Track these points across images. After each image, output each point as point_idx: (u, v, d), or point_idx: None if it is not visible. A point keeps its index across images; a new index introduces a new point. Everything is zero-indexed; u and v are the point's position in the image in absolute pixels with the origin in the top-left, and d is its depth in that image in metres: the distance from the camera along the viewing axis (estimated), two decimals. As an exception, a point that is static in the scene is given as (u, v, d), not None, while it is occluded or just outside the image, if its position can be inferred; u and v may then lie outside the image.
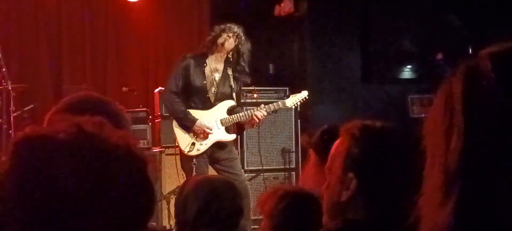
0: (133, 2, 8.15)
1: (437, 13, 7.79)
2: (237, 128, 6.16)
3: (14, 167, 1.11)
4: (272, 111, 6.07)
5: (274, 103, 5.95)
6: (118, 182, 1.13)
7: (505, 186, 1.08)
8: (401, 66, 8.02)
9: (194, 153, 5.73)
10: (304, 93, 6.10)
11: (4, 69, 6.58)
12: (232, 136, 5.95)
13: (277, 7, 8.08)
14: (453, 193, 1.10)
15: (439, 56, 7.87)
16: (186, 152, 5.73)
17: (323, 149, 2.48)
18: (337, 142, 2.03)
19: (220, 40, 5.71)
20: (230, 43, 5.73)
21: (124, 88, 7.70)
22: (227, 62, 5.84)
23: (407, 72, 8.05)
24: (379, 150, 1.96)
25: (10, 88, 6.72)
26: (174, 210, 2.93)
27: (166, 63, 8.16)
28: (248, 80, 6.02)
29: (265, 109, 5.81)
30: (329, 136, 2.37)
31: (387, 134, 2.01)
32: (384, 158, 1.95)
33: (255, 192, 6.82)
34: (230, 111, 5.88)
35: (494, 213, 1.08)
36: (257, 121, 5.82)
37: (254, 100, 6.66)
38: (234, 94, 5.88)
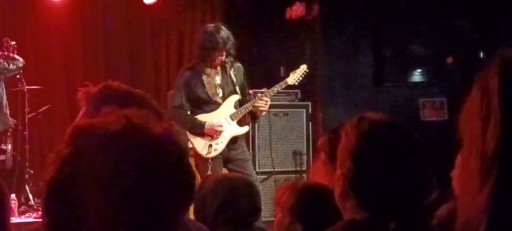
0: (147, 4, 8.20)
1: (448, 17, 7.80)
2: (251, 117, 6.15)
3: (71, 154, 1.24)
4: (277, 92, 6.06)
5: (276, 85, 5.95)
6: (163, 169, 1.24)
7: None
8: (412, 70, 8.02)
9: (212, 154, 5.75)
10: (303, 67, 6.12)
11: (20, 71, 6.66)
12: (245, 128, 5.99)
13: (288, 10, 8.10)
14: (490, 177, 1.15)
15: (450, 60, 7.87)
16: (205, 155, 5.73)
17: (330, 148, 2.50)
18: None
19: (211, 59, 5.66)
20: (223, 58, 5.69)
21: (137, 91, 7.76)
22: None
23: (418, 76, 8.06)
24: (367, 146, 1.87)
25: (25, 90, 6.81)
26: (193, 207, 2.96)
27: (178, 65, 8.19)
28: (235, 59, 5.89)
29: (269, 93, 5.85)
30: (335, 135, 2.38)
31: (379, 128, 1.91)
32: (374, 155, 1.86)
33: (266, 194, 6.84)
34: (238, 104, 5.89)
35: None
36: (264, 107, 5.83)
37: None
38: (237, 88, 5.85)
